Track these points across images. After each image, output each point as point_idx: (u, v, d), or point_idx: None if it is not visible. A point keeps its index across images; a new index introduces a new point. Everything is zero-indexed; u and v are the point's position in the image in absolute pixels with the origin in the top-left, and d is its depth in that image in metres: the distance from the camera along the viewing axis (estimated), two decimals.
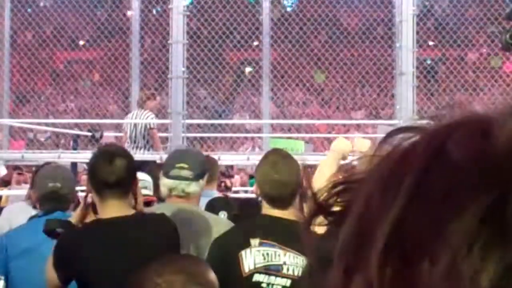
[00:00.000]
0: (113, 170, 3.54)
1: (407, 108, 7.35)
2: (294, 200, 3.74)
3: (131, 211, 3.64)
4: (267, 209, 3.71)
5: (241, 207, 5.33)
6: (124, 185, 3.59)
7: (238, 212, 5.11)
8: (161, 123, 9.60)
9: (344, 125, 12.87)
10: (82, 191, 6.06)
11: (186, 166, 4.13)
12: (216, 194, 5.73)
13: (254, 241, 3.55)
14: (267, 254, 3.56)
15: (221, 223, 4.16)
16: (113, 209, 3.57)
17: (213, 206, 5.03)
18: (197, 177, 4.19)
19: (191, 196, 4.19)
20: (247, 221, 3.92)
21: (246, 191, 10.54)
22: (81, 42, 11.95)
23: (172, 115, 8.00)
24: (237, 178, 11.95)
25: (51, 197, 4.42)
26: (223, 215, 4.95)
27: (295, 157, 3.84)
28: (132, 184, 3.65)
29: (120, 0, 11.67)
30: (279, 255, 3.54)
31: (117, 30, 11.48)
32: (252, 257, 3.55)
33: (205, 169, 4.32)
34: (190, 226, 3.91)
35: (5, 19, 10.12)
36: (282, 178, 3.62)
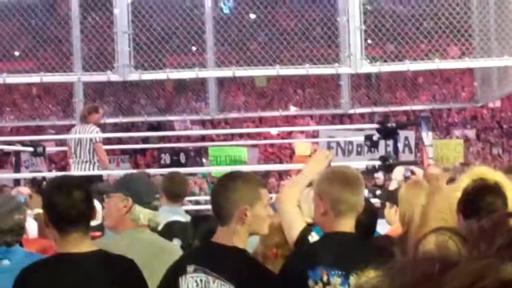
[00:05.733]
0: (73, 204, 3.49)
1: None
2: (231, 217, 3.74)
3: (93, 247, 3.59)
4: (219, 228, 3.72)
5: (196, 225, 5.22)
6: (85, 218, 3.55)
7: (193, 237, 5.01)
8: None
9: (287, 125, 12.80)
10: None
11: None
12: (183, 212, 5.97)
13: (190, 268, 3.64)
14: (200, 280, 3.63)
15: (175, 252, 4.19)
16: (75, 243, 3.53)
17: (169, 230, 5.00)
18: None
19: None
20: (194, 247, 3.96)
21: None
22: (17, 53, 11.70)
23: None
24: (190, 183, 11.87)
25: None
26: (176, 242, 4.91)
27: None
28: (92, 214, 3.62)
29: (54, 8, 11.48)
30: (208, 282, 3.61)
31: (53, 38, 11.28)
32: (186, 283, 3.63)
33: None
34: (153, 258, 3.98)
35: None
36: (223, 195, 3.70)
